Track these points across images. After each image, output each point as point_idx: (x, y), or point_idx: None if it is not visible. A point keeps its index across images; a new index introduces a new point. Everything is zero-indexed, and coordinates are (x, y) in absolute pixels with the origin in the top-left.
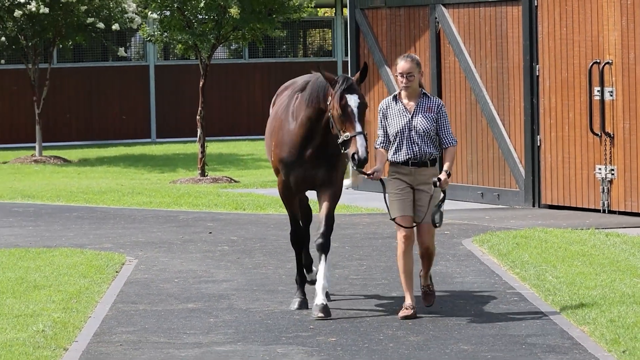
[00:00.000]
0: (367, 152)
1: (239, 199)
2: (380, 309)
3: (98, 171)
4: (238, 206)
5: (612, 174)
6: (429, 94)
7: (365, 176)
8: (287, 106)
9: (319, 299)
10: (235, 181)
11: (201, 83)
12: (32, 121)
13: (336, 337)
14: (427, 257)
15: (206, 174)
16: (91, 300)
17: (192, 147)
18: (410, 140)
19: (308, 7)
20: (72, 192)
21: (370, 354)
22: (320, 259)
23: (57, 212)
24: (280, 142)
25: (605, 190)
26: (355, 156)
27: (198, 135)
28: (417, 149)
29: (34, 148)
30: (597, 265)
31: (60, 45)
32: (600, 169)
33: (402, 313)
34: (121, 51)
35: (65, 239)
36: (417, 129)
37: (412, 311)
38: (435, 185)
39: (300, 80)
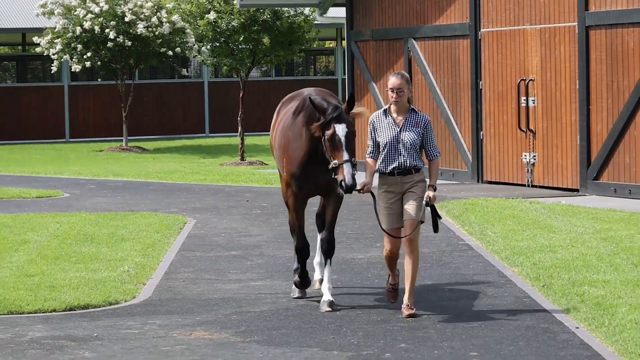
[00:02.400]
0: (353, 179)
1: (268, 177)
2: (369, 254)
3: (167, 157)
4: (267, 182)
5: (534, 159)
6: (417, 110)
7: (357, 192)
8: (293, 124)
9: (327, 296)
10: (266, 164)
11: (241, 94)
12: (120, 121)
13: (337, 275)
14: (412, 259)
15: (244, 159)
16: (162, 249)
17: (235, 140)
18: (397, 152)
19: (316, 40)
20: (149, 172)
21: (361, 288)
22: (325, 263)
23: (138, 186)
24: (290, 159)
25: (529, 171)
26: (343, 183)
27: (239, 131)
28: (402, 160)
29: (121, 140)
30: (523, 224)
31: (141, 67)
32: (525, 155)
33: (389, 296)
34: (184, 71)
35: (144, 205)
36: (405, 142)
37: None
38: (427, 205)
39: (305, 91)
